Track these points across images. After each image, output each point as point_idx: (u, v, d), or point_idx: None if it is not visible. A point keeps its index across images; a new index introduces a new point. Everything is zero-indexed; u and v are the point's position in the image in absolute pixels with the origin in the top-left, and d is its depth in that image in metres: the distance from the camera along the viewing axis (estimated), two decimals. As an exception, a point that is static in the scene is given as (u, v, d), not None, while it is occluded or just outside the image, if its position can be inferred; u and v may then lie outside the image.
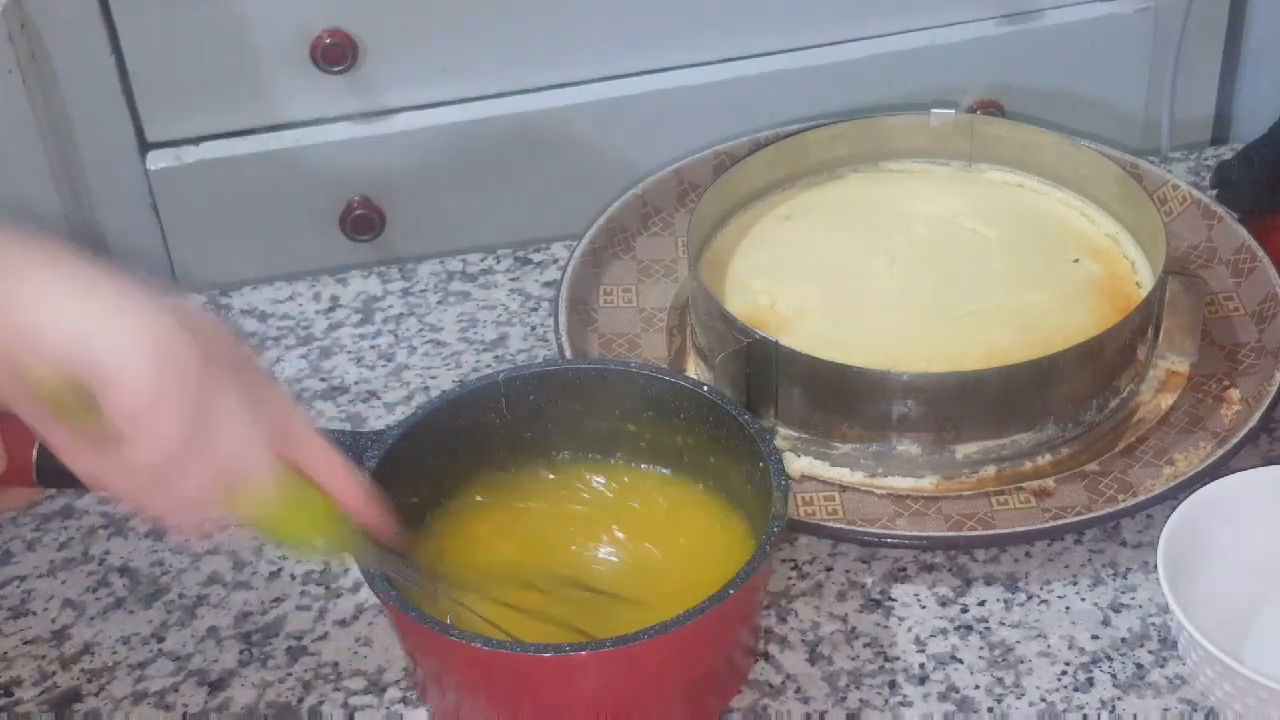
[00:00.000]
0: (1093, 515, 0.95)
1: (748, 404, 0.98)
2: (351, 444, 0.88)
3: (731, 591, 0.81)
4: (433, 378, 1.10)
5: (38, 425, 0.71)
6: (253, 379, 0.74)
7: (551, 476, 0.95)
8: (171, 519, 0.73)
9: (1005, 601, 0.94)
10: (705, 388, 0.93)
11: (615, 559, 0.91)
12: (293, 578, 0.97)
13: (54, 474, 0.87)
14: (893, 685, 0.90)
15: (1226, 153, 1.25)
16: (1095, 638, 0.92)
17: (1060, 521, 0.95)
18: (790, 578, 0.96)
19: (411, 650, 0.88)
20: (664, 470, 0.95)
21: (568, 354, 1.04)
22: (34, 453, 0.85)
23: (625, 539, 0.92)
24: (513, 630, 0.83)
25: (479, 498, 0.94)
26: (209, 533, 0.74)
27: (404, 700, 0.90)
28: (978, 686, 0.90)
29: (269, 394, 0.75)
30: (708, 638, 0.85)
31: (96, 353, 0.67)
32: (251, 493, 0.73)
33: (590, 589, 0.89)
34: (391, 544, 0.81)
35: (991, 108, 1.46)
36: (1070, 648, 0.91)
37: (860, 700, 0.89)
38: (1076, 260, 1.09)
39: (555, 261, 1.20)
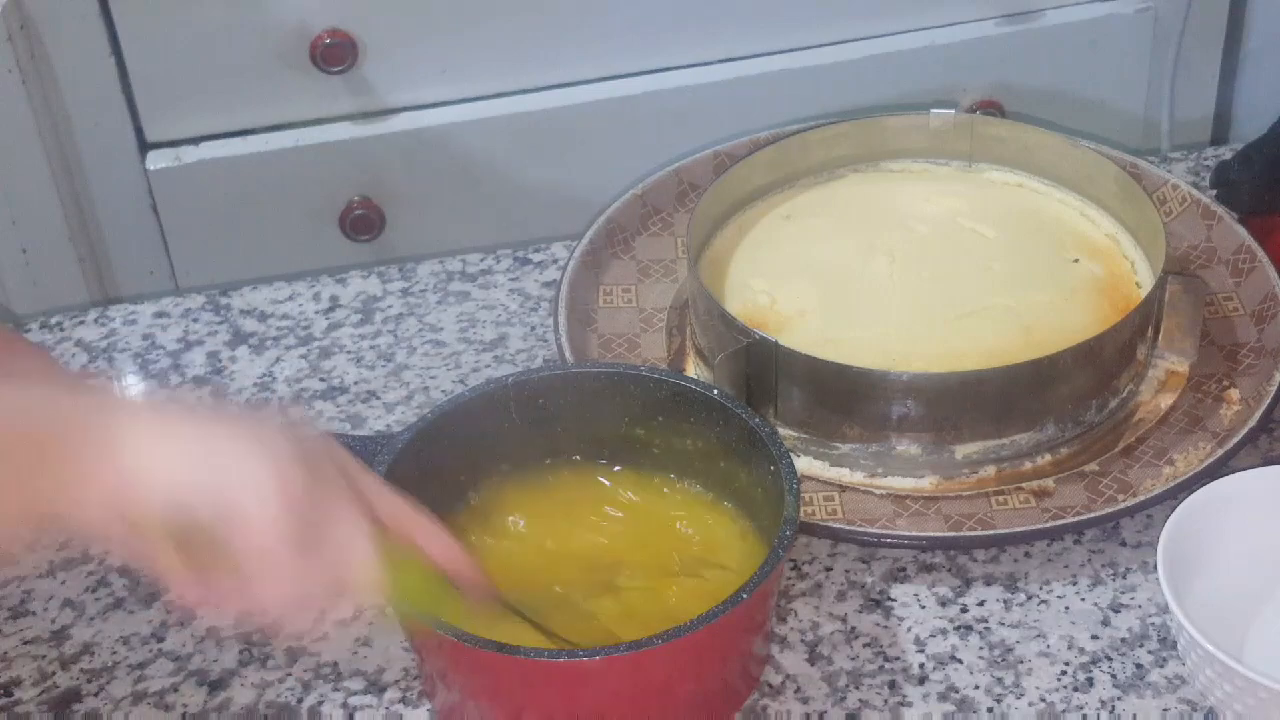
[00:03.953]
0: (1092, 515, 0.95)
1: (747, 404, 0.98)
2: (360, 448, 0.88)
3: (745, 596, 0.81)
4: (432, 378, 1.10)
5: (141, 559, 0.74)
6: (350, 473, 0.78)
7: (558, 481, 0.95)
8: (285, 621, 0.77)
9: (1005, 601, 0.94)
10: (716, 391, 0.92)
11: (620, 563, 0.91)
12: (292, 578, 0.97)
13: None
14: (892, 685, 0.90)
15: (1226, 153, 1.25)
16: (1095, 638, 0.92)
17: (1060, 521, 0.95)
18: (790, 578, 0.96)
19: (419, 651, 0.88)
20: (674, 474, 0.94)
21: (567, 354, 1.04)
22: None
23: (630, 543, 0.92)
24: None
25: (488, 502, 0.93)
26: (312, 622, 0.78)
27: (403, 700, 0.90)
28: (977, 686, 0.90)
29: (364, 483, 0.78)
30: (721, 643, 0.84)
31: (222, 497, 0.71)
32: (362, 585, 0.76)
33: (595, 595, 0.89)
34: (482, 595, 0.83)
35: (991, 108, 1.46)
36: (1070, 648, 0.91)
37: (860, 700, 0.89)
38: (1076, 260, 1.09)
39: (555, 261, 1.20)
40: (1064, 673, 0.90)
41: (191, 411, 0.75)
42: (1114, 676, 0.90)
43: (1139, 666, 0.90)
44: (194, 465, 0.71)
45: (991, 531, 0.95)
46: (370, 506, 0.77)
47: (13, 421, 0.71)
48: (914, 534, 0.95)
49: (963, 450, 0.99)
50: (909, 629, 0.93)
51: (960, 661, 0.91)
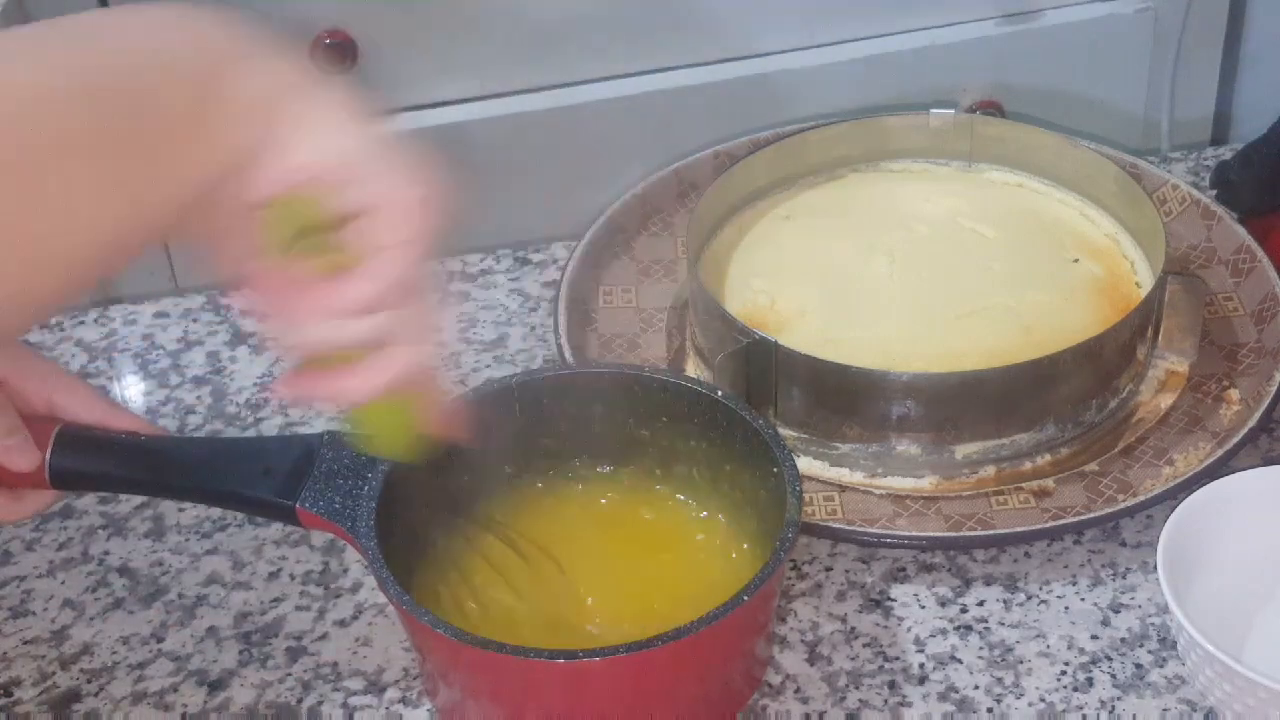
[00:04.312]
0: (1092, 515, 0.95)
1: (747, 404, 0.98)
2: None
3: (747, 597, 0.81)
4: (432, 378, 1.10)
5: (237, 244, 0.72)
6: None
7: (561, 482, 0.95)
8: (306, 361, 0.74)
9: (1005, 601, 0.94)
10: (720, 392, 0.92)
11: (626, 564, 0.91)
12: (292, 578, 0.97)
13: (68, 477, 0.87)
14: (892, 685, 0.90)
15: (1226, 153, 1.25)
16: (1095, 638, 0.92)
17: (1060, 521, 0.95)
18: (790, 578, 0.96)
19: (421, 650, 0.88)
20: (677, 475, 0.94)
21: (567, 354, 1.04)
22: (48, 456, 0.86)
23: (638, 544, 0.92)
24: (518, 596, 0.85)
25: (491, 502, 0.93)
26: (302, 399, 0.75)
27: (403, 700, 0.90)
28: (977, 687, 0.90)
29: None
30: (723, 644, 0.84)
31: (373, 182, 0.70)
32: (396, 375, 0.74)
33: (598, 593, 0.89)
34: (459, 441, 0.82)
35: (991, 108, 1.46)
36: (1070, 648, 0.91)
37: (859, 700, 0.89)
38: (1076, 260, 1.09)
39: (555, 261, 1.20)
40: (1064, 673, 0.90)
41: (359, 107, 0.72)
42: (1114, 676, 0.90)
43: (1139, 666, 0.90)
44: (349, 145, 0.69)
45: (991, 531, 0.95)
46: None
47: (195, 88, 0.67)
48: (914, 534, 0.95)
49: (963, 450, 0.99)
50: (909, 629, 0.93)
51: (960, 661, 0.91)
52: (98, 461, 0.88)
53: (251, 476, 0.87)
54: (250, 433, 1.07)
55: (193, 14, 0.69)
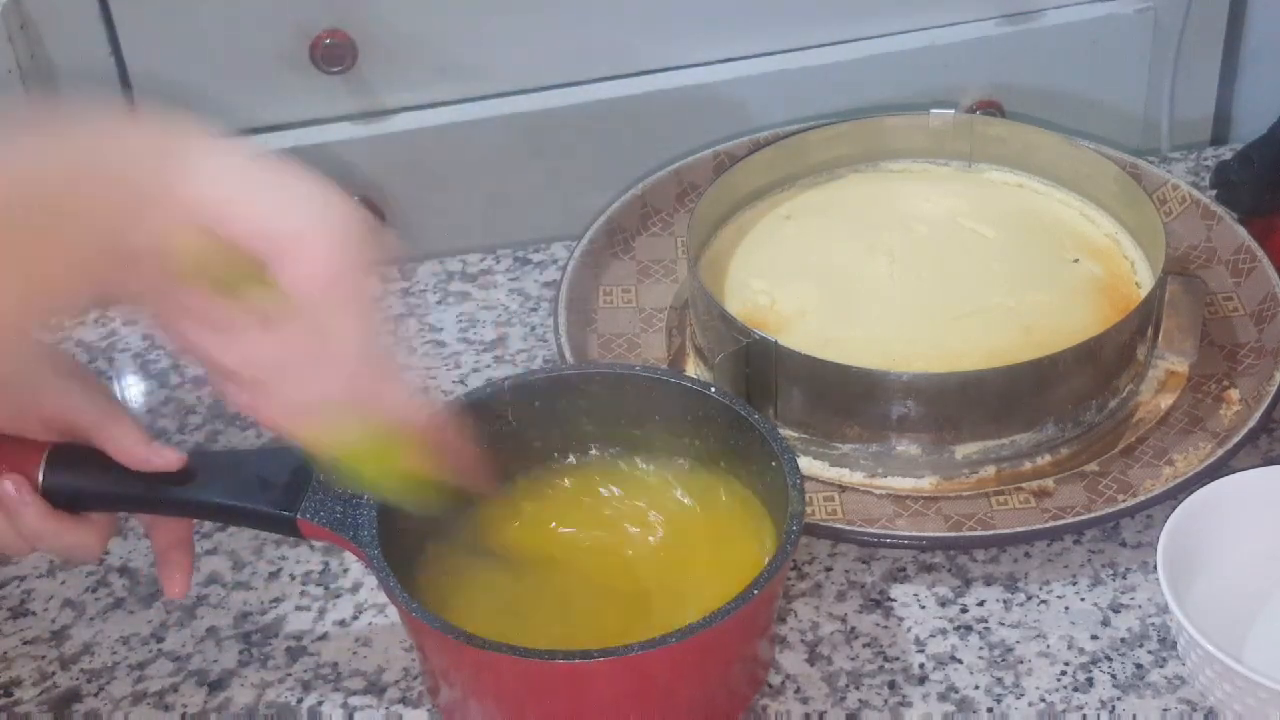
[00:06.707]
0: (1092, 515, 0.95)
1: (747, 404, 0.98)
2: None
3: (756, 591, 0.80)
4: (432, 378, 1.10)
5: (180, 299, 0.72)
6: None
7: (558, 484, 0.95)
8: (270, 417, 0.74)
9: (1005, 602, 0.94)
10: (713, 388, 0.92)
11: (623, 565, 0.91)
12: (292, 578, 0.97)
13: (63, 497, 0.84)
14: (892, 685, 0.90)
15: (1226, 153, 1.25)
16: (1095, 638, 0.92)
17: (1060, 521, 0.95)
18: (790, 578, 0.96)
19: (422, 649, 0.88)
20: (672, 474, 0.94)
21: (567, 354, 1.04)
22: (40, 476, 0.83)
23: (633, 544, 0.92)
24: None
25: (492, 506, 0.93)
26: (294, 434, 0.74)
27: (403, 700, 0.90)
28: (977, 687, 0.90)
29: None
30: (726, 643, 0.84)
31: (284, 227, 0.69)
32: (361, 416, 0.73)
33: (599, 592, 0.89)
34: (466, 487, 0.81)
35: (991, 108, 1.46)
36: (1070, 648, 0.91)
37: (860, 700, 0.89)
38: (1076, 260, 1.09)
39: (555, 261, 1.20)
40: (1064, 673, 0.90)
41: (265, 155, 0.72)
42: (1114, 676, 0.90)
43: (1139, 666, 0.90)
44: (265, 193, 0.69)
45: (991, 531, 0.95)
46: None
47: (88, 160, 0.68)
48: (914, 534, 0.95)
49: (963, 450, 0.99)
50: (909, 629, 0.93)
51: (960, 661, 0.91)
52: (92, 480, 0.84)
53: (249, 489, 0.85)
54: (250, 433, 1.07)
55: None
